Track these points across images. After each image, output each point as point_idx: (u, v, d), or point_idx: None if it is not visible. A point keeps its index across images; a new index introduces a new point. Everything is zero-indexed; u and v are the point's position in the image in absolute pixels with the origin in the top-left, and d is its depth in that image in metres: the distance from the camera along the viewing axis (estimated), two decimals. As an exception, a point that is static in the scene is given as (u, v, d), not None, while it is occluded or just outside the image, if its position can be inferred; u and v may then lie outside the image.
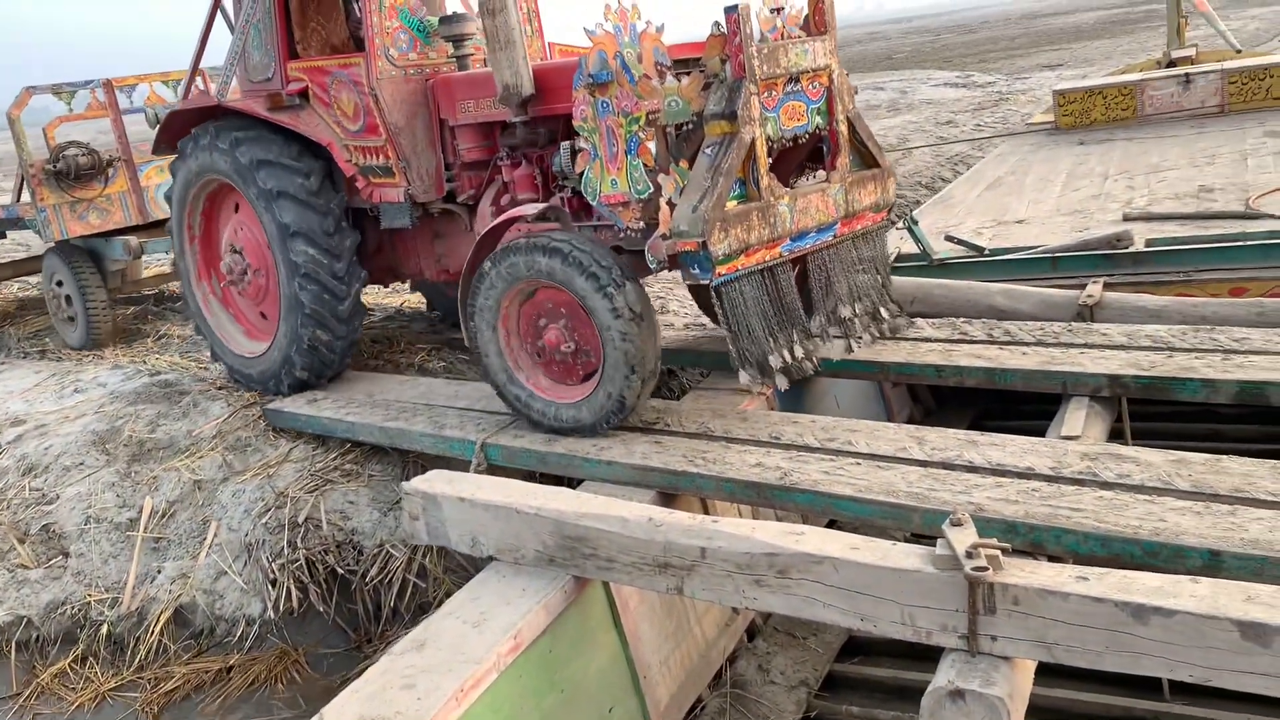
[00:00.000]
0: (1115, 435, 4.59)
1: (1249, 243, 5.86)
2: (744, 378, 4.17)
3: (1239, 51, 13.09)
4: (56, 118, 7.86)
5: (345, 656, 4.93)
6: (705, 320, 6.26)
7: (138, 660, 4.85)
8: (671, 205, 3.99)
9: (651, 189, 4.18)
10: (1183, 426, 5.73)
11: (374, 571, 4.97)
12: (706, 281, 3.98)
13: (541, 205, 4.57)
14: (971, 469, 3.72)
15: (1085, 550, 3.23)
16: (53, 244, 7.75)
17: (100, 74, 9.33)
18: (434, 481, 4.04)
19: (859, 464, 3.87)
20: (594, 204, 4.43)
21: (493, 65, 4.65)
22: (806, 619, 3.25)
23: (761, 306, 4.20)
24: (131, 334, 8.02)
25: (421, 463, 5.32)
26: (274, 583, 4.94)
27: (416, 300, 8.20)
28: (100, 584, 5.08)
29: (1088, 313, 5.32)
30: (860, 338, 4.82)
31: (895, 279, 5.27)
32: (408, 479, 5.28)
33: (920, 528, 3.55)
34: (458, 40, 5.41)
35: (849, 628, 3.23)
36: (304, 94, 5.49)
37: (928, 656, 3.10)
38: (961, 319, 5.36)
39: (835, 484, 3.75)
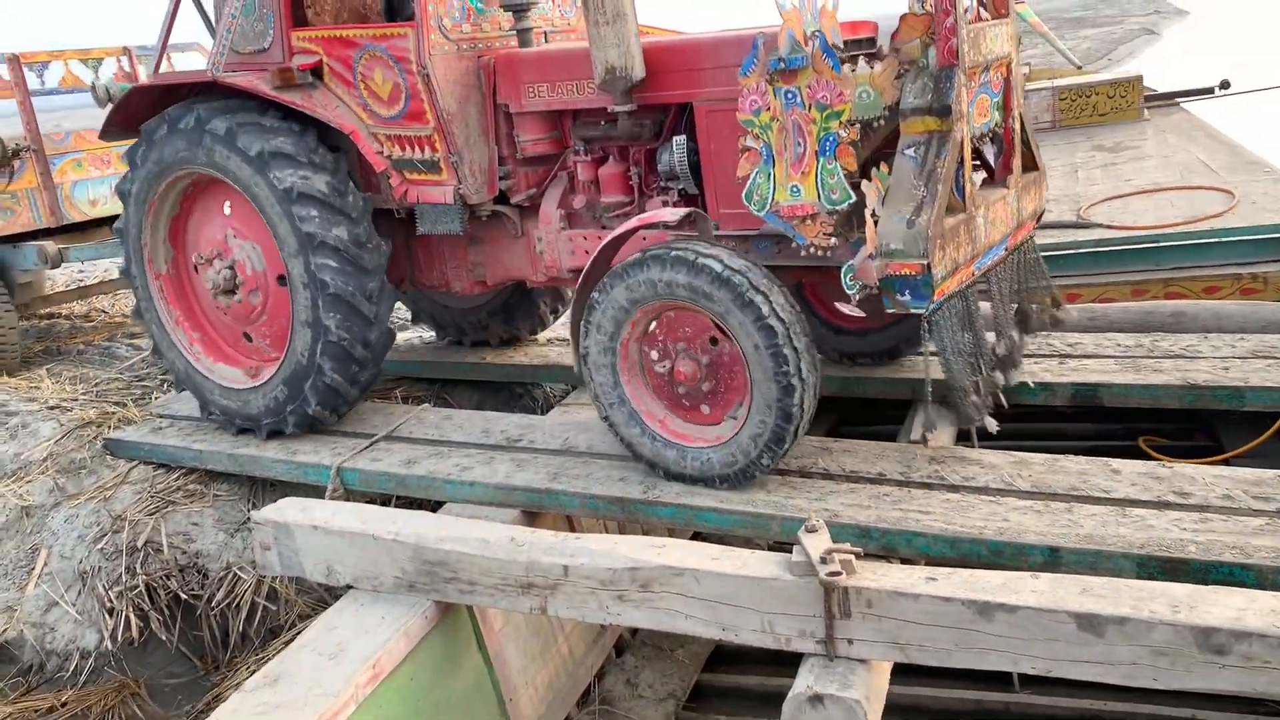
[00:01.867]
0: (962, 437, 4.78)
1: (1080, 250, 6.22)
2: (926, 430, 3.75)
3: (1079, 68, 13.87)
4: None
5: (191, 685, 4.71)
6: (569, 335, 6.25)
7: (-41, 703, 4.52)
8: (875, 218, 3.36)
9: (851, 198, 3.50)
10: (1026, 426, 6.02)
11: (220, 595, 4.76)
12: (921, 311, 3.40)
13: (681, 210, 3.82)
14: (827, 476, 3.82)
15: (936, 552, 3.35)
16: None
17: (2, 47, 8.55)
18: (285, 510, 3.88)
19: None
20: (760, 214, 3.68)
21: (594, 42, 3.90)
22: (670, 631, 3.26)
23: (957, 337, 3.70)
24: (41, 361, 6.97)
25: (270, 484, 5.14)
26: (111, 611, 4.67)
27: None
28: (-85, 624, 4.71)
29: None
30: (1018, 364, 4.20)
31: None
32: (256, 498, 5.15)
33: (779, 536, 3.61)
34: (519, 10, 4.62)
35: (712, 638, 3.25)
36: (316, 70, 4.59)
37: (793, 662, 3.15)
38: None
39: (697, 496, 3.78)
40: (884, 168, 3.38)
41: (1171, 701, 4.01)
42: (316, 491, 4.55)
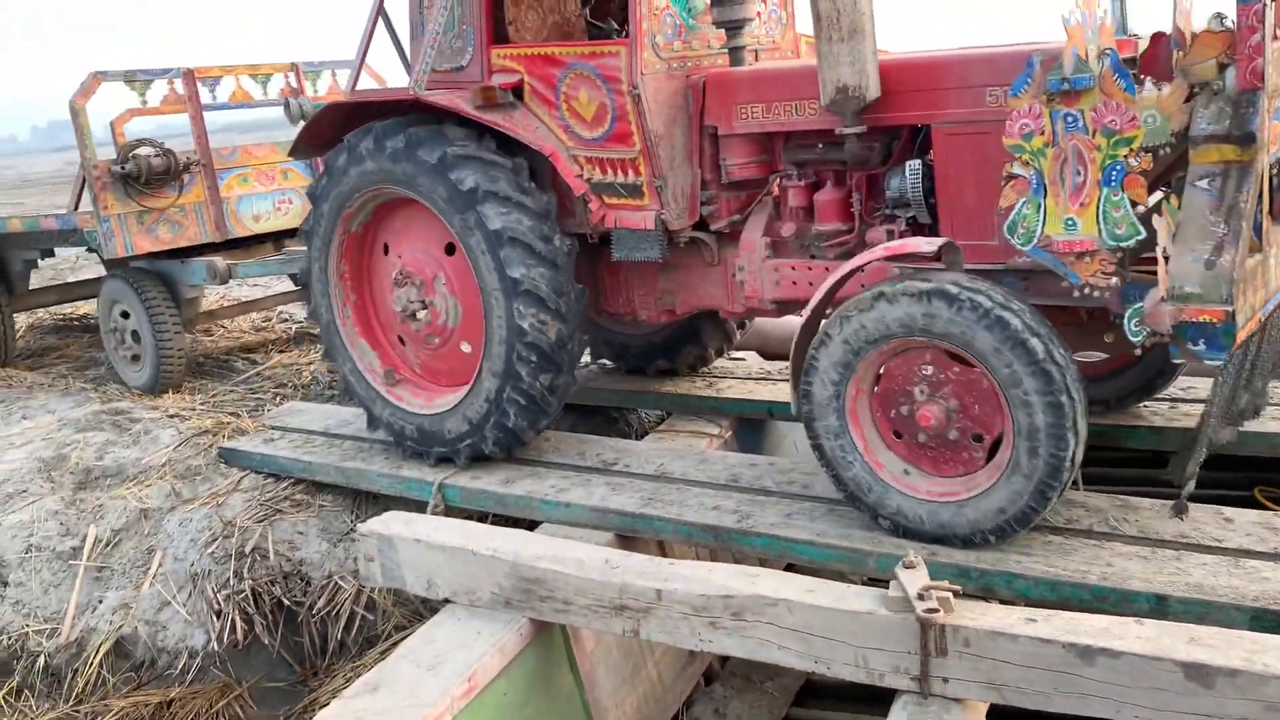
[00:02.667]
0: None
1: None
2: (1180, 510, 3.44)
3: None
4: (127, 110, 6.45)
5: (290, 691, 4.84)
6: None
7: (75, 693, 4.73)
8: (1165, 256, 3.05)
9: (1139, 234, 3.16)
10: (1133, 471, 5.83)
11: (321, 604, 4.89)
12: (1216, 362, 3.08)
13: (938, 240, 3.49)
14: (925, 513, 3.76)
15: (1035, 594, 3.28)
16: (114, 264, 6.64)
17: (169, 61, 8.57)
18: (390, 523, 4.01)
19: (816, 508, 3.90)
20: (1025, 248, 3.35)
21: (825, 59, 3.69)
22: (761, 661, 3.26)
23: (1227, 390, 3.41)
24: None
25: (374, 496, 5.28)
26: (219, 614, 4.84)
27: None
28: (39, 614, 4.95)
29: None
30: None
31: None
32: (360, 510, 5.30)
33: (875, 572, 3.59)
34: (734, 27, 4.38)
35: (803, 670, 3.24)
36: (516, 89, 4.45)
37: (882, 699, 3.12)
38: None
39: (792, 528, 3.78)
40: (1174, 201, 3.06)
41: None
42: (417, 506, 4.67)
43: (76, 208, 6.80)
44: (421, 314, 4.74)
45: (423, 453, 4.84)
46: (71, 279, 9.16)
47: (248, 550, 5.01)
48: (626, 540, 4.14)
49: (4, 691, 4.77)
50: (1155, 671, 2.63)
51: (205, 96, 6.64)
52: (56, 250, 7.75)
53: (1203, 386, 4.74)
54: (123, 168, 6.20)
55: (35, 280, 8.06)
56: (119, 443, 5.78)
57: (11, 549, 5.17)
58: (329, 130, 4.82)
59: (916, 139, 3.94)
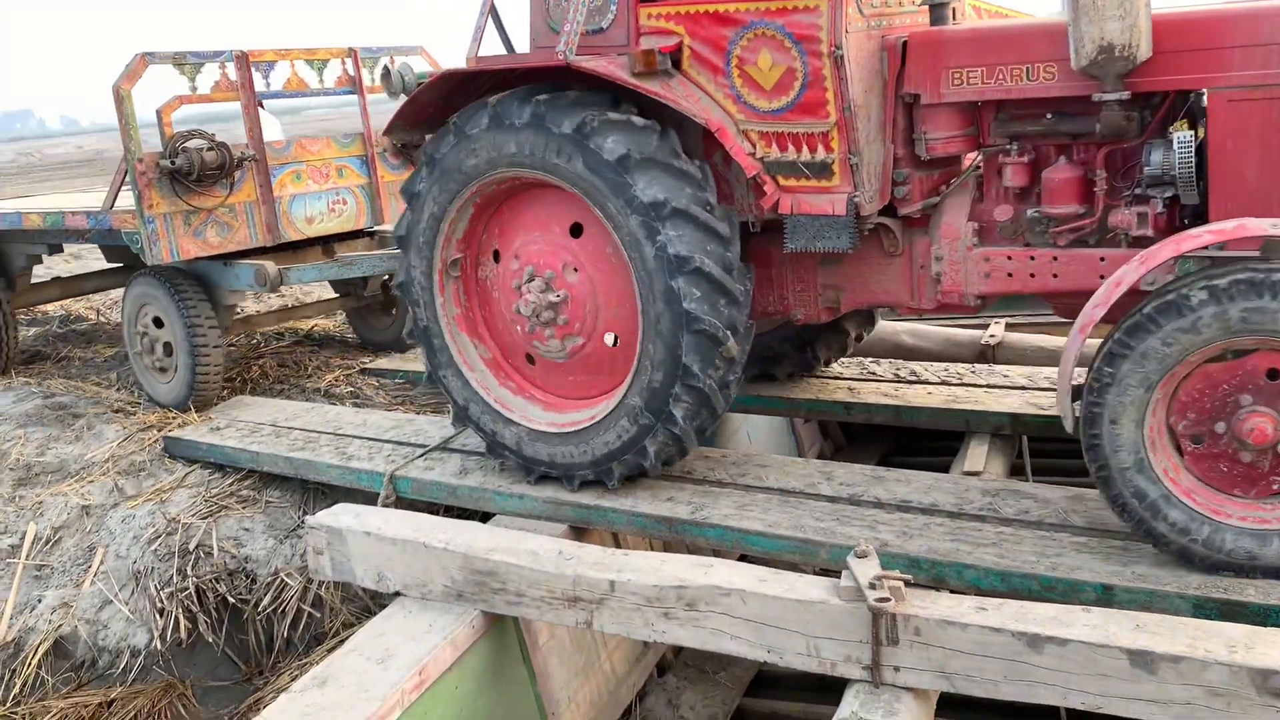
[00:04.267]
0: (1015, 471, 4.74)
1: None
2: None
3: None
4: (175, 97, 5.64)
5: (235, 689, 4.78)
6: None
7: (13, 694, 4.62)
8: None
9: None
10: (1080, 462, 5.93)
11: (267, 601, 4.83)
12: None
13: (1265, 223, 2.98)
14: (878, 504, 3.79)
15: (986, 585, 3.31)
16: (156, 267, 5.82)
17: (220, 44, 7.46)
18: (339, 515, 3.95)
19: (769, 499, 3.91)
20: None
21: (1088, 13, 3.18)
22: (714, 651, 3.26)
23: None
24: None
25: (322, 490, 5.22)
26: (162, 612, 4.76)
27: (330, 324, 8.04)
28: (-23, 615, 4.84)
29: (990, 352, 5.49)
30: None
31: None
32: (308, 505, 5.23)
33: (827, 563, 3.60)
34: None
35: (756, 660, 3.25)
36: (672, 55, 3.88)
37: (834, 689, 3.13)
38: (869, 358, 5.48)
39: (746, 519, 3.78)
40: None
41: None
42: (368, 498, 4.62)
43: (113, 206, 5.95)
44: (558, 312, 4.06)
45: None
46: (71, 272, 8.57)
47: (192, 547, 4.94)
48: (580, 532, 4.12)
49: (-62, 692, 4.65)
50: (1101, 658, 2.66)
51: (259, 84, 5.96)
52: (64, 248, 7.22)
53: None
54: (173, 162, 5.41)
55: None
56: (61, 438, 5.67)
57: (-52, 546, 5.04)
58: (431, 107, 4.20)
59: (1179, 108, 3.45)
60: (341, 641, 4.51)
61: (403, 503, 4.58)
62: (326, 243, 6.47)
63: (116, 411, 5.94)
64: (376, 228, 6.55)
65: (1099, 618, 2.78)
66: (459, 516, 4.40)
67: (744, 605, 3.10)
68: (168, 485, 5.33)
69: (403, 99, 4.31)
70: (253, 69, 5.89)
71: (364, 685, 3.25)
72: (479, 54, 4.11)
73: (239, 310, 6.39)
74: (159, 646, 4.71)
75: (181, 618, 4.75)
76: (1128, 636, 2.67)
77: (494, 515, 4.35)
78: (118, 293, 7.77)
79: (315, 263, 6.12)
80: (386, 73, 4.68)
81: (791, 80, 3.68)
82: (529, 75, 3.94)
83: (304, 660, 4.70)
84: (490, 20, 4.29)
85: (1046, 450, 5.66)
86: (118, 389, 6.39)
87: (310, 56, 6.24)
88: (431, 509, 4.64)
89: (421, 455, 4.74)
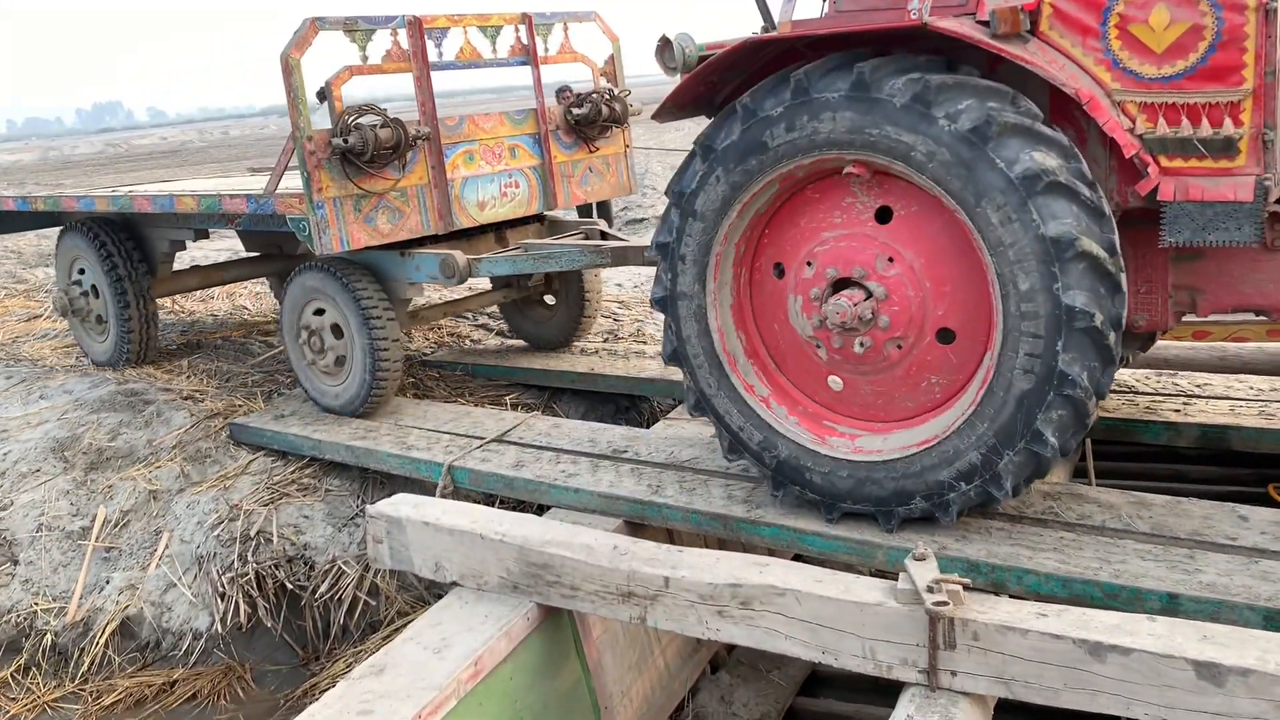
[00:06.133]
0: (1078, 474, 4.64)
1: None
2: None
3: None
4: (345, 68, 5.01)
5: (291, 673, 4.87)
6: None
7: (81, 672, 4.77)
8: None
9: None
10: (1145, 466, 5.80)
11: (324, 588, 4.90)
12: None
13: None
14: (936, 506, 3.73)
15: (1046, 590, 3.25)
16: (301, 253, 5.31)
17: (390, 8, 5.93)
18: (399, 505, 4.00)
19: (825, 497, 3.87)
20: None
21: None
22: (768, 651, 3.25)
23: None
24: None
25: (381, 479, 5.29)
26: (223, 596, 4.87)
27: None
28: (48, 593, 4.99)
29: None
30: None
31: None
32: (366, 495, 5.31)
33: (884, 564, 3.56)
34: None
35: (810, 660, 3.23)
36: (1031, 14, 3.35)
37: (889, 691, 3.10)
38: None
39: (801, 518, 3.76)
40: None
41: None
42: (426, 488, 4.68)
43: (276, 189, 5.39)
44: (877, 313, 3.49)
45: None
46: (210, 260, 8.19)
47: (253, 534, 5.04)
48: (635, 527, 4.13)
49: (11, 669, 4.80)
50: (1166, 669, 2.60)
51: (431, 54, 5.33)
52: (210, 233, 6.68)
53: (1218, 382, 4.71)
54: (345, 140, 4.85)
55: None
56: (132, 424, 5.81)
57: (23, 528, 5.20)
58: (713, 87, 3.74)
59: None
60: (397, 630, 4.59)
61: (460, 493, 4.64)
62: (499, 229, 5.93)
63: (185, 398, 6.08)
64: (549, 212, 6.04)
65: (1164, 627, 2.71)
66: (514, 508, 4.44)
67: (799, 605, 3.08)
68: (231, 472, 5.44)
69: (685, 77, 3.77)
70: (425, 37, 5.30)
71: (421, 674, 3.29)
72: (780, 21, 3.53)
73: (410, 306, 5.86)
74: (219, 630, 4.82)
75: (241, 602, 4.85)
76: (1194, 647, 2.60)
77: (548, 508, 4.38)
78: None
79: (508, 254, 5.48)
80: (665, 43, 4.04)
81: (1195, 40, 3.15)
82: (852, 40, 3.44)
83: (359, 647, 4.78)
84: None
85: (1110, 453, 5.55)
86: (187, 376, 6.53)
87: (483, 23, 5.57)
88: (488, 500, 4.69)
89: (479, 447, 4.79)
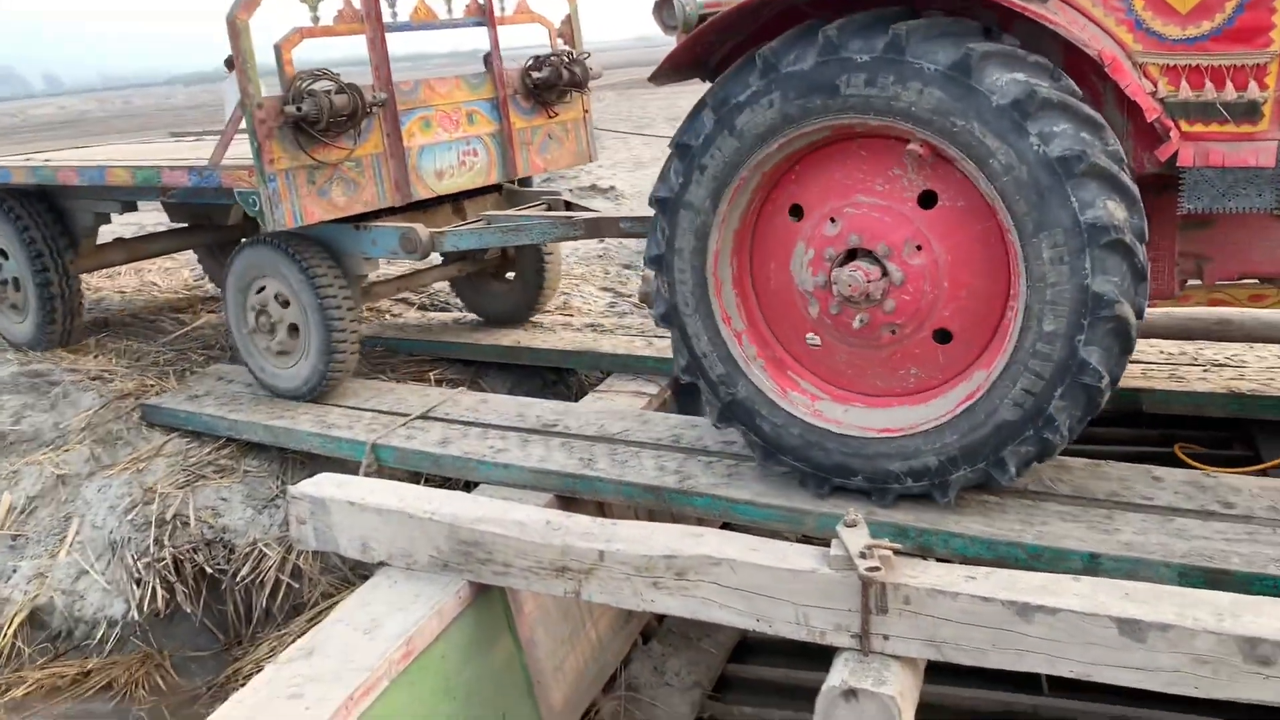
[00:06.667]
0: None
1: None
2: None
3: None
4: (295, 30, 4.66)
5: (213, 659, 4.76)
6: (605, 320, 6.25)
7: (-12, 665, 4.59)
8: None
9: None
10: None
11: (245, 571, 4.79)
12: None
13: None
14: (864, 472, 3.77)
15: (972, 553, 3.33)
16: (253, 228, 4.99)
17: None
18: (322, 485, 3.91)
19: (756, 468, 3.90)
20: None
21: None
22: (703, 620, 3.26)
23: None
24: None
25: (301, 460, 5.17)
26: (139, 582, 4.73)
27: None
28: (-49, 586, 4.78)
29: None
30: None
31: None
32: (286, 475, 5.18)
33: (813, 531, 3.60)
34: None
35: (745, 628, 3.26)
36: None
37: (819, 656, 3.14)
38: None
39: (732, 488, 3.78)
40: None
41: (1209, 712, 3.97)
42: (348, 467, 4.58)
43: (221, 160, 4.95)
44: (887, 296, 3.35)
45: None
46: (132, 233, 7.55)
47: (169, 517, 4.89)
48: (566, 501, 4.11)
49: (-87, 664, 4.60)
50: (1091, 627, 2.67)
51: (385, 14, 5.04)
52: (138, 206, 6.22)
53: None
54: (299, 108, 4.51)
55: None
56: (36, 406, 5.57)
57: (-81, 516, 4.96)
58: (712, 48, 3.58)
59: None
60: (322, 612, 4.51)
61: (384, 472, 4.55)
62: (456, 200, 5.63)
63: (94, 379, 5.85)
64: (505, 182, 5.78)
65: (1088, 586, 2.79)
66: (440, 486, 4.37)
67: (734, 574, 3.09)
68: (144, 454, 5.27)
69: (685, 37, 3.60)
70: None
71: (351, 656, 3.22)
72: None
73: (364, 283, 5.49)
74: (136, 617, 4.68)
75: (159, 588, 4.71)
76: (1117, 605, 2.68)
77: (477, 485, 4.32)
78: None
79: (473, 227, 5.14)
80: (664, 1, 3.81)
81: (1223, 0, 3.08)
82: (791, 18, 3.32)
83: (283, 631, 4.68)
84: None
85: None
86: (95, 356, 6.28)
87: None
88: (413, 479, 4.62)
89: (404, 424, 4.70)
